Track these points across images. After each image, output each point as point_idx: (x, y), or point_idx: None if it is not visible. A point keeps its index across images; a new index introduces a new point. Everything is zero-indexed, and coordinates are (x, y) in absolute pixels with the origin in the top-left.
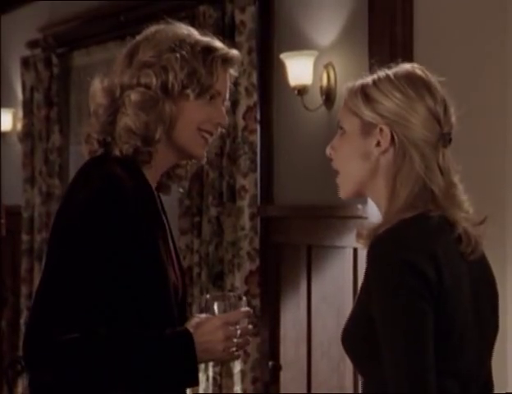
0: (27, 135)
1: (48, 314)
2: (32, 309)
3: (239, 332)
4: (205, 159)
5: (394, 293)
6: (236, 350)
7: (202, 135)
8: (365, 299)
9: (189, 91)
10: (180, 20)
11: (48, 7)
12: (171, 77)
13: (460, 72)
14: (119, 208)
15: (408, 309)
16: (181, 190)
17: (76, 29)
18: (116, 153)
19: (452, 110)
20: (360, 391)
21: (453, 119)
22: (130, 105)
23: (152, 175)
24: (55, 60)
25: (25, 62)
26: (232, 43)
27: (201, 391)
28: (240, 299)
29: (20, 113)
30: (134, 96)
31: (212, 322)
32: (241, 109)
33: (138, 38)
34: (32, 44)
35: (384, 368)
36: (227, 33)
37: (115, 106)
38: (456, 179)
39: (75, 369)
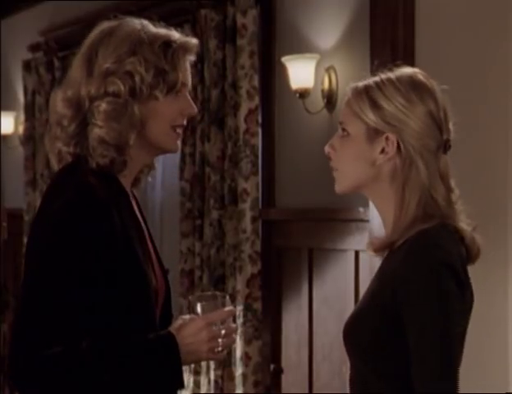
0: (29, 138)
1: (30, 330)
2: (14, 325)
3: (223, 331)
4: (179, 149)
5: (434, 297)
6: (222, 350)
7: (175, 129)
8: (382, 295)
9: (157, 92)
10: (182, 23)
11: (49, 11)
12: (138, 81)
13: (462, 75)
14: (93, 219)
15: (447, 315)
16: (150, 178)
17: (78, 32)
18: (93, 165)
19: (450, 117)
20: (349, 389)
21: (451, 125)
22: (100, 115)
23: (126, 180)
24: (57, 63)
25: (27, 66)
26: (234, 47)
27: None
28: (224, 298)
29: (22, 116)
30: (103, 106)
31: (195, 323)
32: (243, 112)
33: (91, 40)
34: (34, 48)
35: (412, 369)
36: (229, 36)
37: (82, 116)
38: (453, 183)
39: (61, 383)
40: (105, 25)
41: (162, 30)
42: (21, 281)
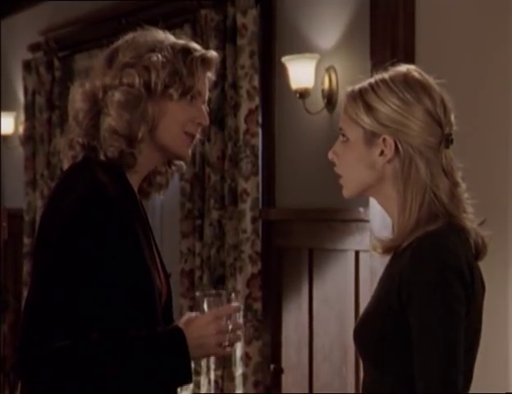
0: (29, 138)
1: (39, 323)
2: (22, 318)
3: (230, 326)
4: (189, 159)
5: (438, 299)
6: (228, 345)
7: (186, 135)
8: (388, 297)
9: (172, 90)
10: (182, 23)
11: (49, 11)
12: (153, 76)
13: (462, 74)
14: (103, 216)
15: (451, 317)
16: (162, 196)
17: (78, 32)
18: (101, 157)
19: (451, 109)
20: (362, 390)
21: (452, 118)
22: (113, 105)
23: (135, 179)
24: (57, 63)
25: (27, 66)
26: (234, 47)
27: None
28: (230, 294)
29: (22, 117)
30: (117, 96)
31: (202, 317)
32: (243, 112)
33: (115, 44)
34: (34, 47)
35: (415, 370)
36: (229, 36)
37: (97, 108)
38: (459, 177)
39: (70, 375)
40: (130, 33)
41: (182, 40)
42: (31, 273)
